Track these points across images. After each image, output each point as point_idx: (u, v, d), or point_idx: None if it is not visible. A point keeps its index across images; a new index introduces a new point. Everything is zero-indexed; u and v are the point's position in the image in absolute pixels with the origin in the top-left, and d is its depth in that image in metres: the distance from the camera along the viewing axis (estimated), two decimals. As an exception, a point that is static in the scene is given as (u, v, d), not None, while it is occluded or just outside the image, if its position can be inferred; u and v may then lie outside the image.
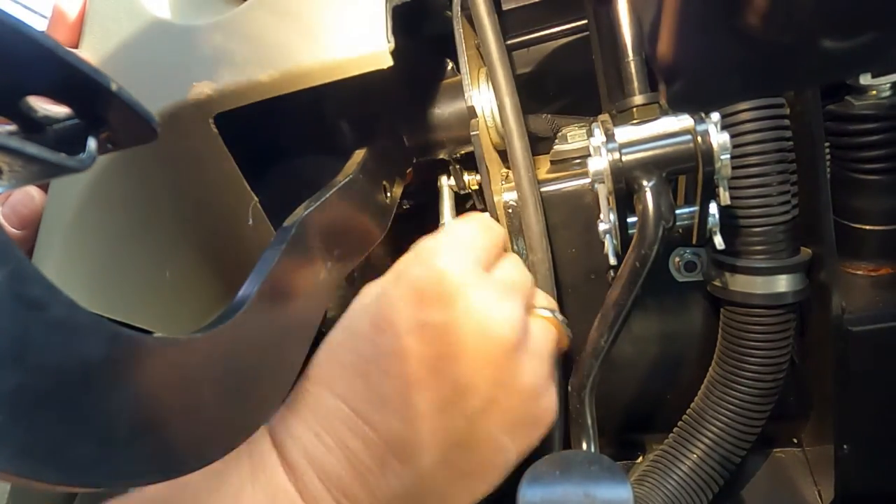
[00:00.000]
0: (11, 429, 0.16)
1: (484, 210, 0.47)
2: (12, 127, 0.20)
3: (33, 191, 0.43)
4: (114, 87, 0.19)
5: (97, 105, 0.20)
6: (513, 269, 0.37)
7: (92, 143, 0.20)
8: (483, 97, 0.46)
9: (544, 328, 0.36)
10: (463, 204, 0.55)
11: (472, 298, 0.31)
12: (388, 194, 0.46)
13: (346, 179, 0.40)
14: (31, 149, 0.17)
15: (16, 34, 0.17)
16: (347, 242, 0.40)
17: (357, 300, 0.36)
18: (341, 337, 0.34)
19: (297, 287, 0.33)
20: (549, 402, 0.35)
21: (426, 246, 0.35)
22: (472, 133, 0.44)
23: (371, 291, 0.36)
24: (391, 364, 0.31)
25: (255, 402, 0.27)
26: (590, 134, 0.43)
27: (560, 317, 0.39)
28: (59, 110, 0.20)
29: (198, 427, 0.23)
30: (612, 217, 0.39)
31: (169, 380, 0.21)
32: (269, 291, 0.29)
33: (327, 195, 0.37)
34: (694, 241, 0.41)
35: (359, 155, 0.44)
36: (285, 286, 0.31)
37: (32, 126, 0.20)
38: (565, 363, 0.43)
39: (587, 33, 0.48)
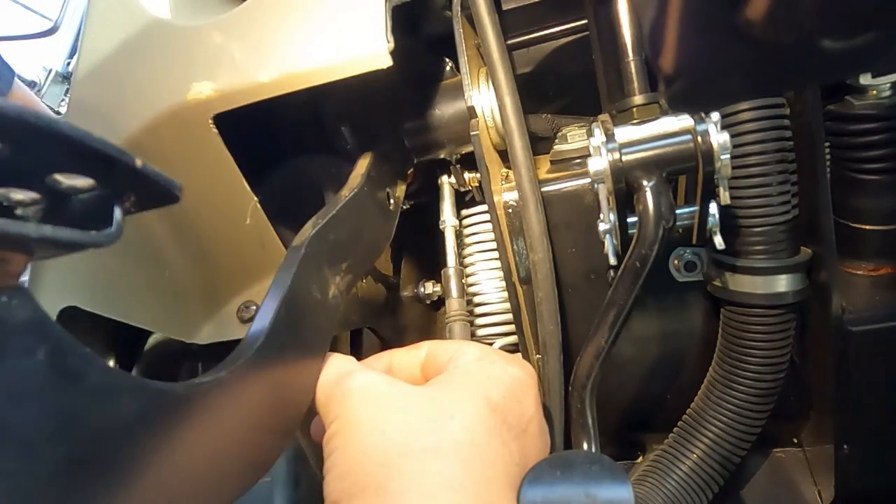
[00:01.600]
0: (63, 498, 0.16)
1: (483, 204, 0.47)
2: (37, 196, 0.20)
3: None
4: (139, 163, 0.20)
5: (122, 179, 0.20)
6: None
7: (118, 213, 0.21)
8: (483, 97, 0.46)
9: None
10: (463, 202, 0.55)
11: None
12: (392, 200, 0.46)
13: (352, 194, 0.40)
14: (65, 234, 0.18)
15: (48, 132, 0.17)
16: (355, 254, 0.40)
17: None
18: (446, 423, 0.30)
19: (310, 306, 0.33)
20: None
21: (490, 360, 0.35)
22: (472, 133, 0.44)
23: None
24: (511, 453, 0.31)
25: (278, 427, 0.28)
26: (590, 134, 0.43)
27: None
28: (83, 182, 0.20)
29: (227, 464, 0.23)
30: (612, 217, 0.39)
31: (200, 424, 0.22)
32: (285, 317, 0.29)
33: (333, 211, 0.37)
34: (694, 241, 0.41)
35: (362, 165, 0.44)
36: (299, 307, 0.32)
37: (57, 197, 0.20)
38: (566, 363, 0.43)
39: (587, 33, 0.48)
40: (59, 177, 0.19)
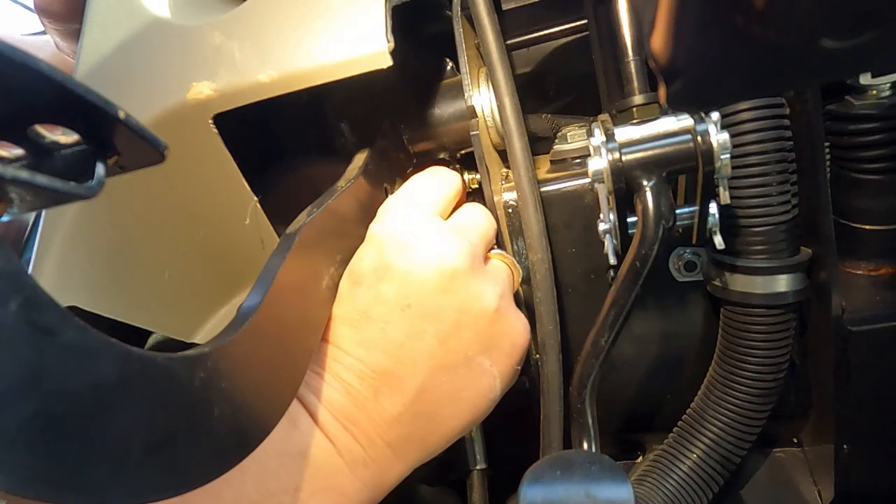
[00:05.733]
0: (30, 454, 0.16)
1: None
2: (20, 152, 0.20)
3: None
4: (121, 114, 0.20)
5: (105, 132, 0.20)
6: (468, 213, 0.43)
7: (100, 169, 0.21)
8: (483, 97, 0.46)
9: (498, 263, 0.43)
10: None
11: (424, 238, 0.38)
12: (390, 196, 0.46)
13: (348, 184, 0.40)
14: (42, 179, 0.17)
15: (24, 68, 0.17)
16: (350, 247, 0.40)
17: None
18: None
19: (301, 294, 0.33)
20: (517, 323, 0.41)
21: (385, 204, 0.42)
22: (472, 133, 0.44)
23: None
24: (369, 306, 0.37)
25: (263, 411, 0.28)
26: (590, 134, 0.43)
27: (510, 256, 0.45)
28: (66, 136, 0.20)
29: (209, 441, 0.23)
30: (612, 217, 0.39)
31: (179, 397, 0.22)
32: (275, 301, 0.29)
33: (329, 200, 0.37)
34: (694, 241, 0.41)
35: (360, 158, 0.44)
36: (290, 294, 0.32)
37: (40, 152, 0.20)
38: (565, 363, 0.43)
39: (587, 33, 0.48)
40: (41, 130, 0.20)
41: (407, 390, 0.36)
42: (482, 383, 0.39)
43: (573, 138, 0.48)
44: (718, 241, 0.39)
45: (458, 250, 0.38)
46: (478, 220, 0.43)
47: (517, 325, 0.41)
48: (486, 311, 0.38)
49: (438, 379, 0.37)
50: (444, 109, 0.49)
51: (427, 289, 0.37)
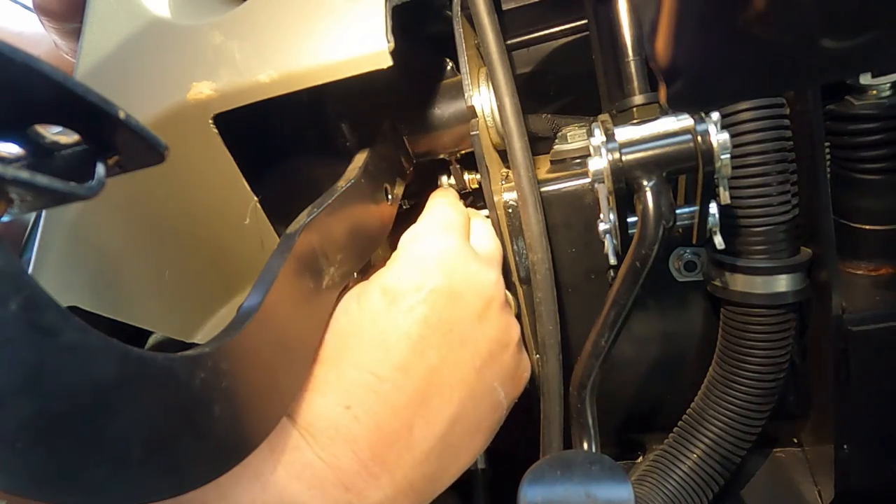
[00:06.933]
0: (30, 454, 0.16)
1: (483, 208, 0.47)
2: (20, 152, 0.20)
3: None
4: (121, 115, 0.20)
5: (105, 132, 0.20)
6: (485, 237, 0.44)
7: (100, 169, 0.21)
8: (483, 97, 0.46)
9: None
10: (463, 203, 0.55)
11: (468, 264, 0.37)
12: (390, 196, 0.46)
13: (348, 184, 0.40)
14: (42, 180, 0.17)
15: (25, 68, 0.17)
16: (350, 247, 0.40)
17: (350, 294, 0.38)
18: (355, 315, 0.36)
19: (302, 295, 0.33)
20: (526, 358, 0.42)
21: (418, 226, 0.41)
22: (472, 133, 0.44)
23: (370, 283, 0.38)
24: (410, 328, 0.34)
25: (263, 412, 0.28)
26: (590, 134, 0.43)
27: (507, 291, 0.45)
28: (66, 136, 0.20)
29: (209, 441, 0.23)
30: (612, 217, 0.39)
31: (179, 397, 0.22)
32: (275, 301, 0.29)
33: (329, 200, 0.37)
34: (694, 241, 0.41)
35: (360, 159, 0.44)
36: (290, 295, 0.31)
37: (41, 152, 0.20)
38: (565, 363, 0.43)
39: (587, 33, 0.48)
40: (41, 130, 0.20)
41: (441, 421, 0.34)
42: (496, 415, 0.38)
43: (573, 138, 0.48)
44: (718, 241, 0.39)
45: (496, 280, 0.39)
46: (495, 248, 0.44)
47: (526, 360, 0.42)
48: (513, 344, 0.39)
49: (468, 409, 0.36)
50: (444, 109, 0.49)
51: (469, 315, 0.36)
